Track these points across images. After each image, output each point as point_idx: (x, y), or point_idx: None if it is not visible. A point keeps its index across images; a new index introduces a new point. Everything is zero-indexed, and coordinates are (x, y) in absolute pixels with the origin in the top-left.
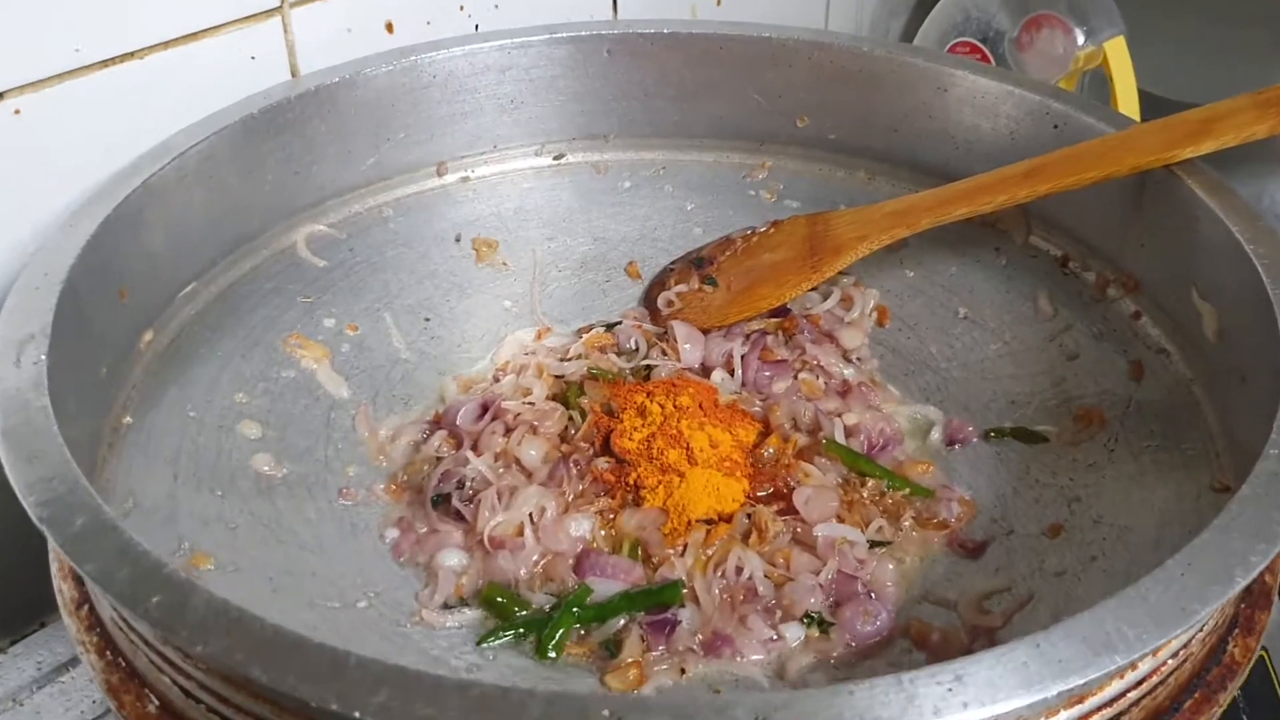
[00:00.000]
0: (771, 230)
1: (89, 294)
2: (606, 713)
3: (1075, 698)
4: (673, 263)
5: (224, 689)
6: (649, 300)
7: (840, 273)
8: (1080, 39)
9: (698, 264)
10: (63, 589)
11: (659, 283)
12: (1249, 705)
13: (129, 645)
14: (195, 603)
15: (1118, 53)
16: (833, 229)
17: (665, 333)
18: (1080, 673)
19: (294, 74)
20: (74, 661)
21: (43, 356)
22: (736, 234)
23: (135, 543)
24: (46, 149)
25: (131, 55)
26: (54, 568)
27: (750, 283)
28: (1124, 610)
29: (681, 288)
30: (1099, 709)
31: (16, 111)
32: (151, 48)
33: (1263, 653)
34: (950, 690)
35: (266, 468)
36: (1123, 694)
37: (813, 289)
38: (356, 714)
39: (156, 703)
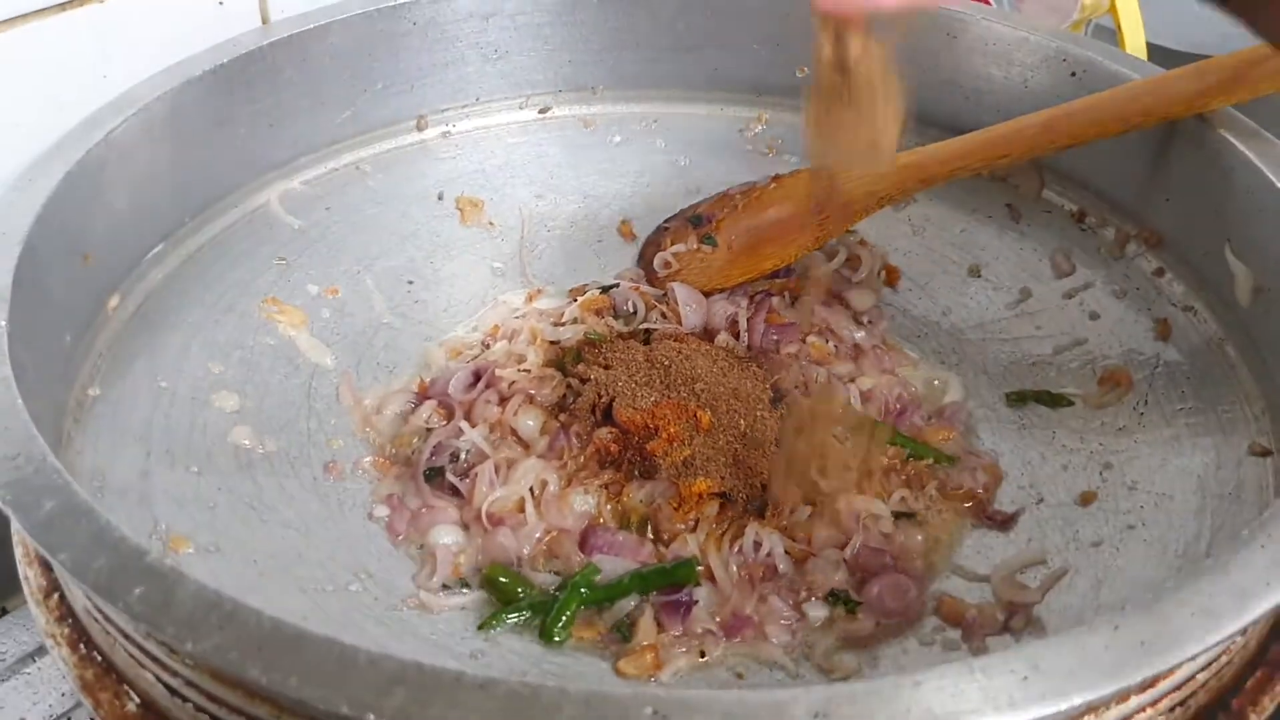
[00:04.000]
0: (774, 186)
1: (49, 256)
2: (650, 711)
3: (1148, 681)
4: (667, 220)
5: (214, 687)
6: (644, 261)
7: (845, 231)
8: None
9: (695, 222)
10: (29, 575)
11: (654, 242)
12: None
13: (105, 638)
14: (183, 595)
15: (1127, 1)
16: (840, 184)
17: (664, 294)
18: (1165, 656)
19: (264, 20)
20: (41, 650)
21: (2, 323)
22: (735, 190)
23: (113, 527)
24: None
25: None
26: (18, 552)
27: (753, 241)
28: (1206, 586)
29: (679, 247)
30: (1169, 692)
31: None
32: None
33: None
34: (1026, 679)
35: (246, 441)
36: (1192, 676)
37: (818, 248)
38: (370, 717)
39: (137, 700)
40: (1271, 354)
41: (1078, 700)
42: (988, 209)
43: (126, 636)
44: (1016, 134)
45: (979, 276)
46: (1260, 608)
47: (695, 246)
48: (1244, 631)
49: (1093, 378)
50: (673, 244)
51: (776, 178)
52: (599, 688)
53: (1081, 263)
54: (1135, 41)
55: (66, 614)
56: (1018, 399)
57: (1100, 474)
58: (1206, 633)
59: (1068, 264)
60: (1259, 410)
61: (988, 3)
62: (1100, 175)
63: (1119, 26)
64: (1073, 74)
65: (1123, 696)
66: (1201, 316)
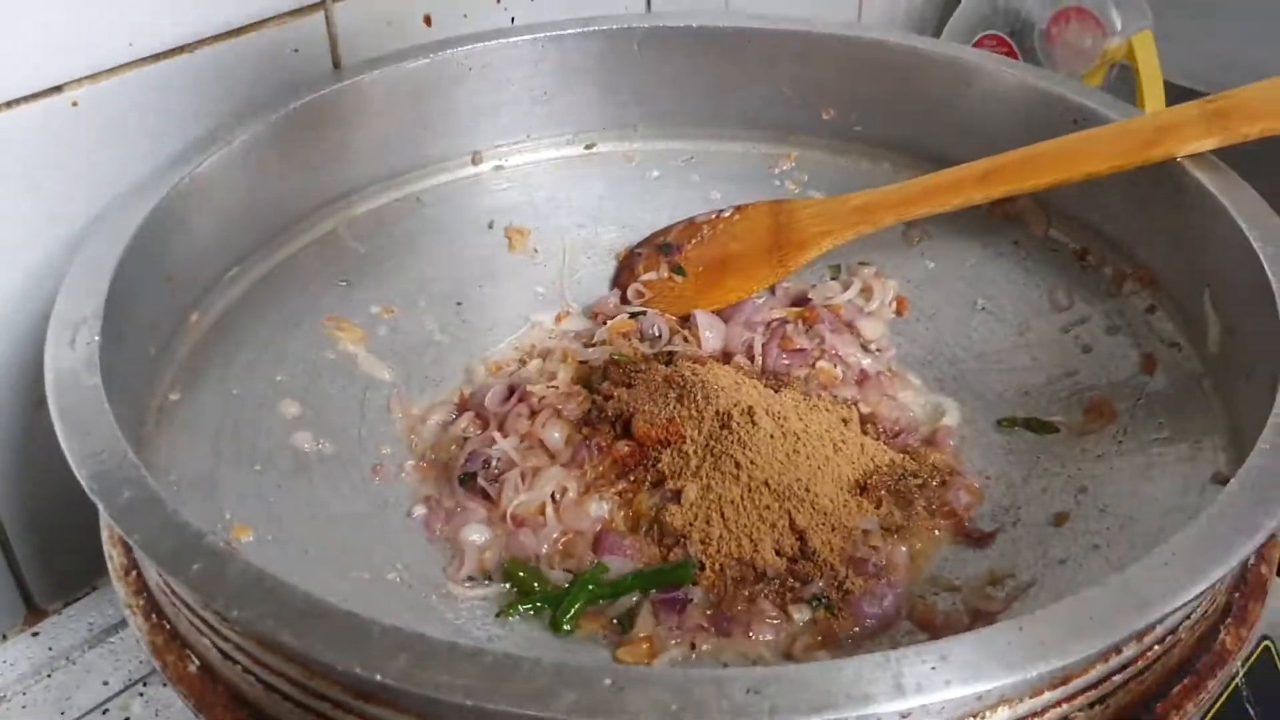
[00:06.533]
0: (736, 217)
1: (138, 279)
2: (609, 682)
3: (1059, 678)
4: (638, 246)
5: (258, 651)
6: (620, 283)
7: (860, 263)
8: (1108, 32)
9: (664, 250)
10: (113, 555)
11: (628, 268)
12: (1254, 694)
13: (172, 609)
14: (232, 571)
15: (1145, 46)
16: (796, 221)
17: (688, 320)
18: (1059, 655)
19: (336, 66)
20: (122, 624)
21: (95, 338)
22: (701, 218)
23: (178, 514)
24: (100, 140)
25: (182, 49)
26: (104, 535)
27: (717, 274)
28: (1108, 596)
29: (650, 276)
30: (1083, 690)
31: (74, 104)
32: (201, 41)
33: (1268, 643)
34: (934, 669)
35: (305, 445)
36: (1107, 677)
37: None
38: (378, 677)
39: (197, 663)
40: (1238, 386)
41: (978, 688)
42: (997, 245)
43: (189, 607)
44: (957, 182)
45: (984, 310)
46: (1150, 619)
47: (666, 275)
48: (1161, 640)
49: (1079, 407)
50: (645, 271)
51: (739, 208)
52: (568, 659)
53: (1081, 299)
54: (1153, 84)
55: (142, 588)
56: (1008, 424)
57: (1075, 497)
58: (1098, 638)
59: (1066, 299)
60: (1224, 442)
61: (1012, 52)
62: (1102, 215)
63: (1138, 71)
64: (1074, 121)
65: (1036, 690)
66: (1186, 353)
